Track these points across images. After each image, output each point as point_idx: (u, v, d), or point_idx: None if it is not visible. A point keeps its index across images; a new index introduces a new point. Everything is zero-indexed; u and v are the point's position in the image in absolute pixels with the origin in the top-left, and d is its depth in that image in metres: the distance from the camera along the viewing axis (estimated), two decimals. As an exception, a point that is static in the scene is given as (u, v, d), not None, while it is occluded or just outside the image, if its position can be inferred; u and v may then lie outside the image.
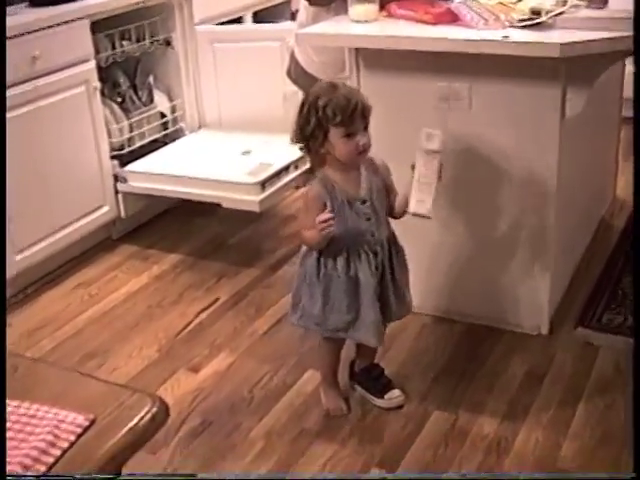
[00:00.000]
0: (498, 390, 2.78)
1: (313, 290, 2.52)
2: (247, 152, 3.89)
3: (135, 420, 1.21)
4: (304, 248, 2.55)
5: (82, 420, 1.23)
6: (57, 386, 1.35)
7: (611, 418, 2.62)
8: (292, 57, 3.41)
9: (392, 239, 2.56)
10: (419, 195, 2.44)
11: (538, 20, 2.62)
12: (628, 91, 3.93)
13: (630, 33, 2.54)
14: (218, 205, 3.71)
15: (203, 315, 3.30)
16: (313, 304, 2.53)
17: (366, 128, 2.38)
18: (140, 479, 2.39)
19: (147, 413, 1.22)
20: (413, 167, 2.46)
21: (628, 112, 4.13)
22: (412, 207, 2.45)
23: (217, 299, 3.40)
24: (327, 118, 2.34)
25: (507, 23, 2.66)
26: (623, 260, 3.50)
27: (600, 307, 3.17)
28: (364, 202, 2.46)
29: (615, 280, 3.35)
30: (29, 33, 3.28)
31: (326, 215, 2.36)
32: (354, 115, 2.33)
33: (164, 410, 1.24)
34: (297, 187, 3.85)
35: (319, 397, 2.75)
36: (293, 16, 4.61)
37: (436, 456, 2.51)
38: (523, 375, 2.85)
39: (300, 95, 3.69)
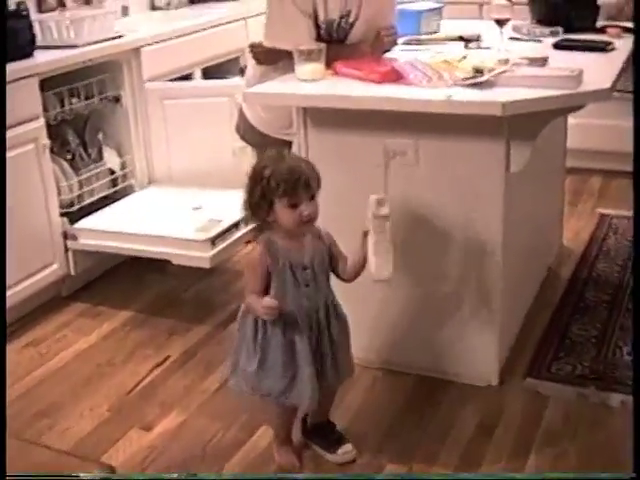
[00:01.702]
0: (450, 442, 2.79)
1: (250, 352, 2.54)
2: (197, 208, 3.90)
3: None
4: (243, 307, 2.57)
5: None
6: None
7: (561, 467, 2.64)
8: (240, 113, 3.45)
9: (332, 305, 2.58)
10: (378, 261, 2.48)
11: (481, 79, 2.68)
12: (571, 142, 4.06)
13: (570, 91, 2.63)
14: (169, 261, 3.71)
15: (154, 373, 3.27)
16: (249, 365, 2.54)
17: (312, 198, 2.41)
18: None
19: (94, 481, 1.21)
20: (366, 234, 2.50)
21: (571, 162, 4.26)
22: (375, 275, 2.50)
23: (168, 357, 3.38)
24: (271, 189, 2.38)
25: (451, 81, 2.71)
26: (571, 309, 3.55)
27: (549, 357, 3.21)
28: (305, 269, 2.49)
29: (563, 329, 3.39)
30: (-23, 91, 3.28)
31: (272, 302, 2.40)
32: (297, 186, 2.37)
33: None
34: (248, 242, 3.86)
35: (272, 454, 2.74)
36: (242, 71, 4.64)
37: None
38: (474, 426, 2.86)
39: (249, 150, 3.76)
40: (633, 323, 2.94)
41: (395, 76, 2.82)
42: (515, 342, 3.29)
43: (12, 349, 3.49)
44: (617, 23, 3.63)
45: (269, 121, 3.30)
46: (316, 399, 2.57)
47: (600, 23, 3.64)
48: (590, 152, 5.00)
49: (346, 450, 2.73)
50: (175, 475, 2.46)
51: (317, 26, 3.12)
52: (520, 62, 2.81)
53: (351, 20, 3.15)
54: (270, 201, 2.40)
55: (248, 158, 3.82)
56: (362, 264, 2.55)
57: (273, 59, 3.14)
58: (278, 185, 2.37)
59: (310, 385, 2.52)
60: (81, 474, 1.13)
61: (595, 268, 3.94)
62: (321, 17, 3.12)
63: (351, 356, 2.69)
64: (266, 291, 2.48)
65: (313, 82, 2.90)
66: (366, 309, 3.07)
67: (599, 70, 2.86)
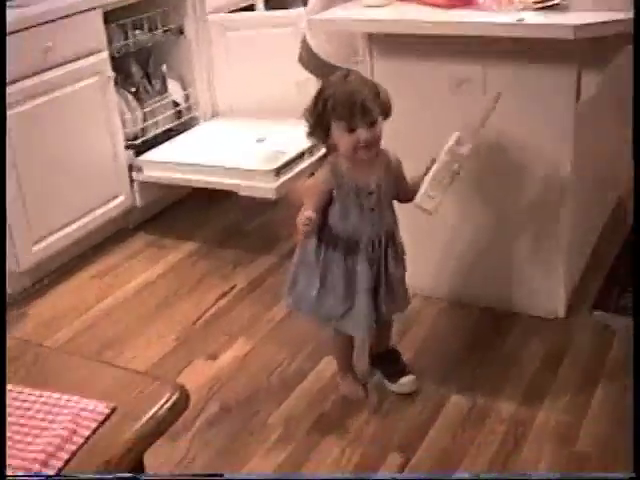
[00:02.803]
0: (515, 374, 2.78)
1: (311, 275, 2.53)
2: (261, 140, 3.89)
3: (155, 408, 1.22)
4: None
5: (103, 408, 1.23)
6: (77, 375, 1.36)
7: (628, 401, 2.61)
8: (304, 43, 3.40)
9: (391, 234, 2.55)
10: (431, 191, 2.43)
11: (552, 2, 2.61)
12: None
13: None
14: (233, 193, 3.72)
15: (220, 303, 3.31)
16: (310, 288, 2.54)
17: (373, 124, 2.35)
18: (156, 479, 2.40)
19: (167, 401, 1.22)
20: (433, 161, 2.45)
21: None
22: (419, 200, 2.44)
23: (234, 286, 3.41)
24: (328, 111, 2.34)
25: (521, 5, 2.64)
26: (640, 242, 3.49)
27: (617, 290, 3.16)
28: (371, 193, 2.46)
29: (632, 262, 3.33)
30: (41, 24, 3.28)
31: (308, 214, 2.35)
32: (353, 111, 2.31)
33: (184, 398, 1.24)
34: (312, 174, 3.84)
35: (337, 383, 2.76)
36: (305, 2, 4.59)
37: (454, 441, 2.51)
38: (540, 359, 2.84)
39: (313, 82, 3.71)
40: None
41: (464, 1, 2.75)
42: (583, 274, 3.25)
43: (80, 280, 3.56)
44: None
45: (333, 49, 3.26)
46: (371, 329, 2.58)
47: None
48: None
49: (407, 381, 2.73)
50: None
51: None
52: (593, -15, 2.73)
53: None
54: (327, 123, 2.36)
55: (312, 90, 3.79)
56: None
57: (339, -16, 3.09)
58: (335, 108, 2.32)
59: (366, 313, 2.51)
60: (80, 475, 1.14)
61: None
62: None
63: (406, 288, 2.66)
64: (324, 213, 2.45)
65: (379, 8, 2.84)
66: (433, 241, 3.05)
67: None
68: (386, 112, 2.39)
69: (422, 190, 2.44)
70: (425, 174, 2.46)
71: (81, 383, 1.31)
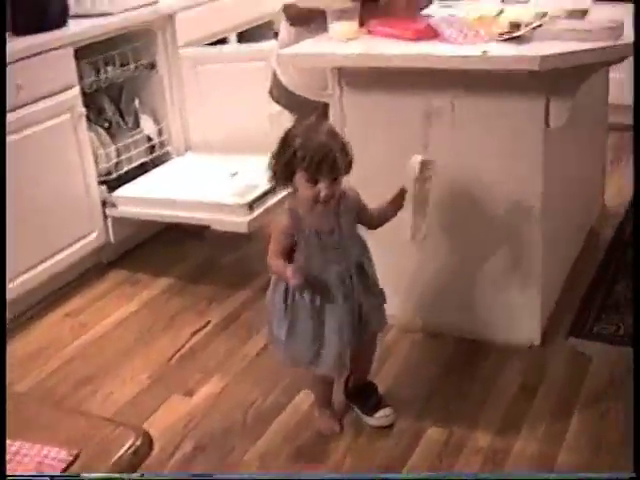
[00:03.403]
0: (492, 404, 2.78)
1: (280, 320, 2.52)
2: (234, 174, 3.89)
3: (119, 453, 1.21)
4: (273, 280, 2.56)
5: (66, 455, 1.22)
6: (42, 422, 1.35)
7: (606, 427, 2.62)
8: (274, 77, 3.42)
9: (360, 265, 2.54)
10: (417, 222, 2.47)
11: (517, 33, 2.63)
12: (613, 97, 3.97)
13: (609, 43, 2.57)
14: (207, 227, 3.71)
15: (195, 339, 3.29)
16: (280, 333, 2.54)
17: (336, 179, 2.36)
18: (143, 479, 2.38)
19: (130, 447, 1.21)
20: (403, 191, 2.48)
21: (614, 118, 4.18)
22: (411, 235, 2.50)
23: (208, 322, 3.39)
24: (296, 160, 2.34)
25: (487, 38, 2.67)
26: (614, 269, 3.50)
27: (592, 316, 3.17)
28: (332, 232, 2.46)
29: (606, 289, 3.35)
30: (12, 63, 3.27)
31: (295, 268, 2.36)
32: (321, 165, 2.31)
33: (148, 443, 1.23)
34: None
35: (313, 417, 2.75)
36: (277, 35, 4.60)
37: (431, 472, 2.49)
38: (517, 387, 2.84)
39: (286, 115, 3.72)
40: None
41: (430, 33, 2.78)
42: (557, 302, 3.26)
43: (53, 319, 3.53)
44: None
45: (303, 83, 3.27)
46: (344, 368, 2.57)
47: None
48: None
49: (384, 414, 2.72)
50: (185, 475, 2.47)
51: (349, -17, 3.08)
52: (558, 15, 2.75)
53: (382, -24, 3.11)
54: (292, 171, 2.37)
55: (284, 123, 3.80)
56: (390, 218, 2.54)
57: (306, 19, 3.10)
58: (304, 158, 2.32)
59: (335, 353, 2.51)
60: (83, 474, 1.13)
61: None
62: (351, -26, 3.08)
63: (383, 310, 2.66)
64: (290, 256, 2.45)
65: (347, 42, 2.86)
66: (404, 272, 3.05)
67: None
68: (348, 168, 2.40)
69: (410, 226, 2.49)
70: (391, 202, 2.49)
71: (46, 430, 1.30)
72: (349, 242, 2.51)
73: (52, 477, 1.15)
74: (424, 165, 2.47)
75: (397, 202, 2.53)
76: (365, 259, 2.57)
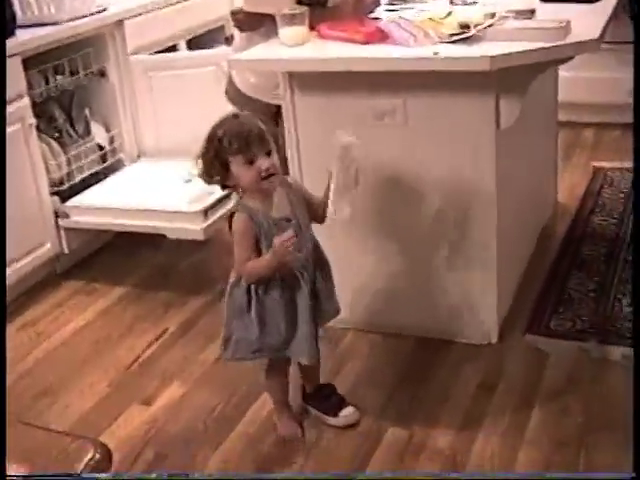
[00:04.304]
0: (452, 402, 2.79)
1: (246, 321, 2.50)
2: (188, 180, 3.86)
3: (79, 468, 1.19)
4: (231, 280, 2.53)
5: (24, 471, 1.21)
6: (-1, 436, 1.33)
7: (565, 423, 2.64)
8: (229, 79, 3.42)
9: (316, 250, 2.56)
10: (338, 203, 2.44)
11: (467, 34, 2.65)
12: (563, 95, 4.02)
13: (558, 42, 2.60)
14: (162, 235, 3.69)
15: (153, 347, 3.27)
16: (248, 334, 2.51)
17: (269, 154, 2.37)
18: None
19: (90, 460, 1.20)
20: (330, 173, 2.46)
21: (564, 116, 4.23)
22: (331, 213, 2.46)
23: (166, 330, 3.37)
24: (224, 148, 2.34)
25: (437, 39, 2.67)
26: (568, 264, 3.54)
27: (548, 313, 3.20)
28: (289, 220, 2.46)
29: (561, 284, 3.38)
30: (-41, 73, 3.24)
31: (288, 234, 2.34)
32: (249, 140, 2.33)
33: (107, 456, 1.22)
34: (231, 215, 3.84)
35: (274, 422, 2.74)
36: (227, 40, 4.60)
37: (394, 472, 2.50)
38: (475, 385, 2.86)
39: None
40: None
41: (380, 36, 2.78)
42: (514, 299, 3.28)
43: (9, 330, 3.48)
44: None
45: (257, 85, 3.27)
46: (316, 354, 2.56)
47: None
48: (582, 105, 4.97)
49: (348, 412, 2.72)
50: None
51: (295, -13, 3.08)
52: (507, 15, 2.77)
53: (330, -20, 3.12)
54: (225, 162, 2.36)
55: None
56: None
57: (255, 24, 3.10)
58: (231, 143, 2.33)
59: (309, 341, 2.51)
60: (83, 474, 1.12)
61: (591, 222, 3.92)
62: (297, -23, 3.08)
63: (336, 296, 2.66)
64: (259, 255, 2.43)
65: (297, 46, 2.86)
66: (359, 273, 3.06)
67: (587, 21, 2.81)
68: (277, 141, 2.42)
69: (331, 205, 2.45)
70: (326, 187, 2.48)
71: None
72: (306, 230, 2.50)
73: (52, 477, 1.13)
74: (345, 146, 2.45)
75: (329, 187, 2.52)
76: (317, 242, 2.58)
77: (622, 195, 4.17)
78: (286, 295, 2.48)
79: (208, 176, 2.43)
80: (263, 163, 2.35)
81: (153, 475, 2.53)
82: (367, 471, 2.52)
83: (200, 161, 2.42)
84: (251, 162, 2.34)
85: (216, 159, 2.36)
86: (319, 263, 2.56)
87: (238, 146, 2.32)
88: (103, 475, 1.14)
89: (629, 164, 4.20)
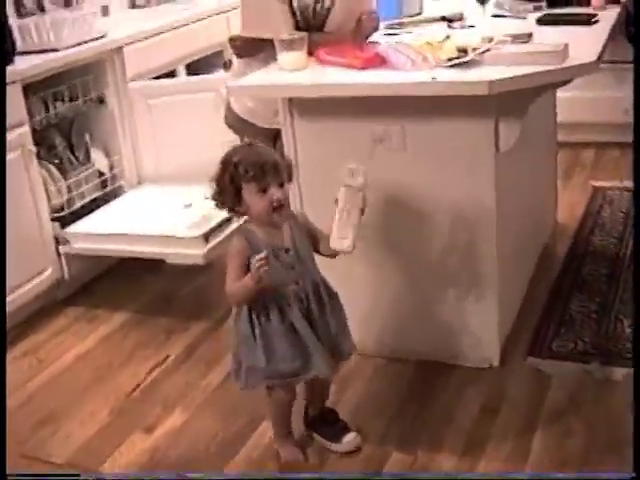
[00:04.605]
0: (455, 426, 2.78)
1: (252, 349, 2.50)
2: (188, 205, 3.88)
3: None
4: (234, 312, 2.54)
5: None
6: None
7: (568, 444, 2.63)
8: (227, 105, 3.43)
9: (322, 285, 2.56)
10: (341, 232, 2.43)
11: (465, 59, 2.65)
12: (561, 116, 4.04)
13: (555, 66, 2.61)
14: (163, 260, 3.69)
15: (154, 374, 3.26)
16: (256, 362, 2.51)
17: (282, 185, 2.40)
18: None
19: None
20: (336, 202, 2.46)
21: (563, 136, 4.24)
22: (333, 243, 2.45)
23: (167, 356, 3.36)
24: (239, 174, 2.36)
25: (434, 63, 2.68)
26: (569, 285, 3.53)
27: (549, 335, 3.19)
28: (287, 251, 2.47)
29: (563, 306, 3.38)
30: (-41, 102, 3.25)
31: (262, 254, 2.34)
32: (265, 170, 2.36)
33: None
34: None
35: (276, 447, 2.73)
36: (226, 65, 4.63)
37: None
38: (478, 409, 2.85)
39: (239, 143, 3.72)
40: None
41: (378, 61, 2.79)
42: (515, 322, 3.28)
43: (10, 357, 3.47)
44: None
45: (256, 111, 3.29)
46: (330, 367, 2.56)
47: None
48: (581, 125, 4.98)
49: (351, 438, 2.71)
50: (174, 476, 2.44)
51: (293, 13, 3.09)
52: (504, 39, 2.78)
53: (327, 5, 3.14)
54: (238, 188, 2.38)
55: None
56: None
57: (254, 50, 3.12)
58: (247, 170, 2.35)
59: (324, 359, 2.51)
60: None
61: (591, 242, 3.92)
62: (295, 2, 3.11)
63: (349, 333, 2.66)
64: None
65: (296, 71, 2.87)
66: (361, 298, 3.05)
67: (584, 44, 2.83)
68: (290, 175, 2.45)
69: (333, 233, 2.44)
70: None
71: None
72: (306, 263, 2.51)
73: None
74: (352, 173, 2.45)
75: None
76: (323, 278, 2.58)
77: (622, 214, 4.17)
78: (286, 323, 2.48)
79: (221, 200, 2.44)
80: (275, 193, 2.37)
81: (154, 476, 2.51)
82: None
83: (214, 185, 2.43)
84: (264, 191, 2.37)
85: (231, 184, 2.38)
86: (323, 297, 2.56)
87: (254, 174, 2.35)
88: (105, 476, 1.14)
89: (629, 183, 4.21)
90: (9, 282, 3.52)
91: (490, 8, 3.46)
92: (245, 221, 2.51)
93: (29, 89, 3.66)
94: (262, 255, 2.34)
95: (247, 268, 2.40)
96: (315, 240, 2.56)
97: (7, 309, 3.53)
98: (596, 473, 2.42)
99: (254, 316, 2.48)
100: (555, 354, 3.08)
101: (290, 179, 2.47)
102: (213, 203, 2.48)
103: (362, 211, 2.46)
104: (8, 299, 3.53)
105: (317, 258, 2.59)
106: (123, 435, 2.90)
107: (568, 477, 2.43)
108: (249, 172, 2.35)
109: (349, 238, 2.43)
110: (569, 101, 4.29)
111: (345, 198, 2.45)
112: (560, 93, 3.86)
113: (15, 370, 3.37)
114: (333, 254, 2.54)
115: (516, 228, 3.21)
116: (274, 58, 2.93)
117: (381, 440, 2.74)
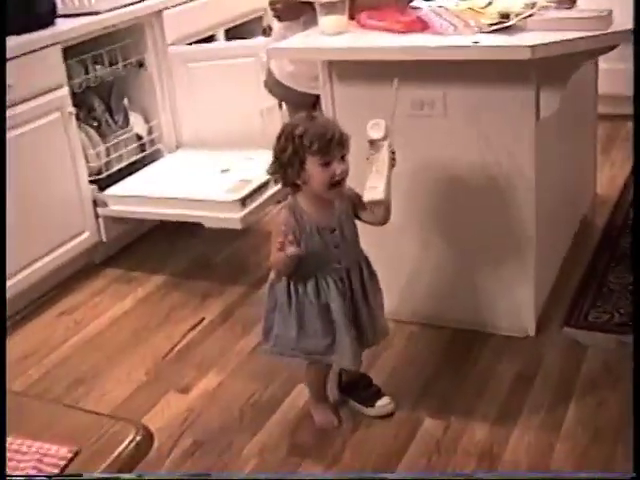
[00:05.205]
0: (488, 394, 2.78)
1: (286, 317, 2.51)
2: (226, 170, 3.88)
3: (119, 449, 1.20)
4: (272, 275, 2.55)
5: (66, 452, 1.22)
6: (41, 419, 1.34)
7: (602, 416, 2.62)
8: (268, 69, 3.43)
9: (364, 264, 2.55)
10: (371, 183, 2.41)
11: (507, 23, 2.63)
12: (602, 88, 3.98)
13: (599, 31, 2.57)
14: (200, 224, 3.71)
15: (190, 335, 3.29)
16: (288, 330, 2.52)
17: (343, 157, 2.37)
18: (146, 479, 2.37)
19: (131, 442, 1.21)
20: (367, 159, 2.45)
21: (603, 109, 4.19)
22: (365, 196, 2.43)
23: (203, 319, 3.39)
24: (304, 147, 2.33)
25: (477, 28, 2.66)
26: (607, 257, 3.51)
27: (586, 305, 3.17)
28: (333, 231, 2.46)
29: (600, 278, 3.35)
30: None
31: (290, 237, 2.35)
32: (331, 143, 2.33)
33: (148, 438, 1.23)
34: (278, 201, 3.84)
35: (310, 411, 2.75)
36: (265, 31, 4.61)
37: (429, 464, 2.50)
38: (512, 378, 2.84)
39: (277, 110, 3.73)
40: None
41: (420, 25, 2.77)
42: (551, 292, 3.26)
43: (47, 318, 3.52)
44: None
45: (296, 75, 3.28)
46: (358, 362, 2.58)
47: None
48: (622, 97, 4.90)
49: (384, 403, 2.73)
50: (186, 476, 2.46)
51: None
52: (548, 5, 2.75)
53: (369, -32, 3.11)
54: (302, 160, 2.35)
55: (276, 118, 3.81)
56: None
57: (294, 14, 3.11)
58: (312, 142, 2.32)
59: (351, 350, 2.51)
60: (82, 475, 1.13)
61: (630, 215, 3.88)
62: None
63: (383, 315, 2.66)
64: None
65: (337, 35, 2.85)
66: (400, 265, 3.05)
67: (629, 10, 2.78)
68: (349, 147, 2.41)
69: (366, 187, 2.42)
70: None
71: (43, 428, 1.30)
72: (350, 241, 2.51)
73: (52, 477, 1.14)
74: (373, 127, 2.44)
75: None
76: (367, 259, 2.57)
77: (662, 188, 4.12)
78: (321, 298, 2.48)
79: (281, 174, 2.41)
80: (338, 167, 2.35)
81: (176, 475, 2.53)
82: (403, 463, 2.51)
83: (274, 155, 2.41)
84: (327, 164, 2.35)
85: (295, 156, 2.35)
86: (365, 277, 2.55)
87: (319, 146, 2.32)
88: (123, 475, 1.15)
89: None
90: (47, 243, 3.56)
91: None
92: (294, 196, 2.47)
93: (69, 52, 3.66)
94: (290, 237, 2.34)
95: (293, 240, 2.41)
96: (358, 209, 2.53)
97: (44, 270, 3.58)
98: (596, 473, 2.41)
99: (292, 286, 2.49)
100: (591, 325, 3.07)
101: (348, 150, 2.42)
102: (273, 175, 2.45)
103: (392, 162, 2.44)
104: (45, 260, 3.57)
105: (364, 231, 2.58)
106: (159, 395, 2.93)
107: (569, 477, 2.42)
108: (314, 144, 2.32)
109: (379, 187, 2.41)
110: (610, 73, 4.23)
111: (370, 152, 2.44)
112: (601, 64, 3.82)
113: (52, 331, 3.42)
114: (374, 221, 2.53)
115: (555, 197, 3.19)
116: (315, 22, 2.91)
117: (414, 406, 2.75)
